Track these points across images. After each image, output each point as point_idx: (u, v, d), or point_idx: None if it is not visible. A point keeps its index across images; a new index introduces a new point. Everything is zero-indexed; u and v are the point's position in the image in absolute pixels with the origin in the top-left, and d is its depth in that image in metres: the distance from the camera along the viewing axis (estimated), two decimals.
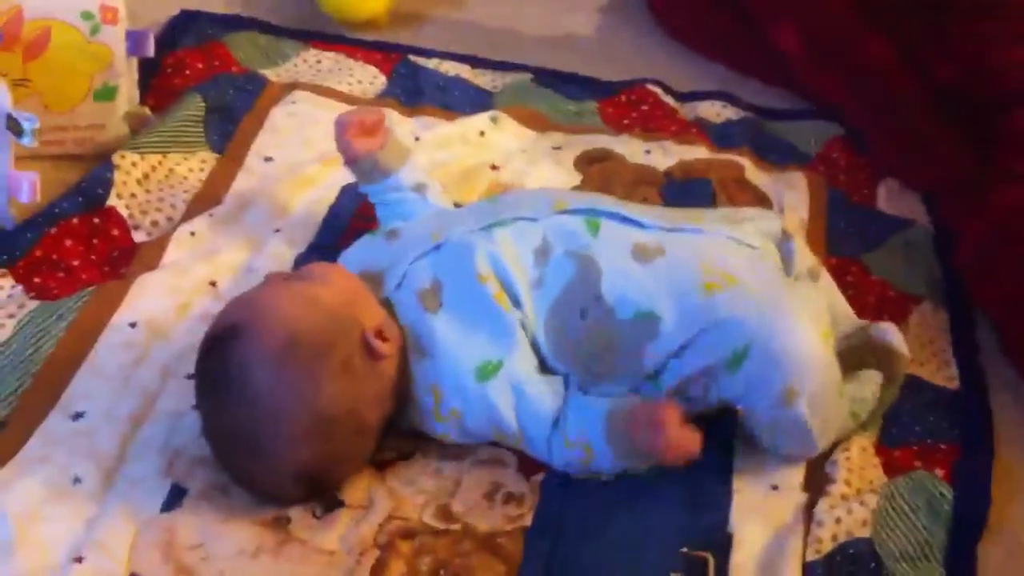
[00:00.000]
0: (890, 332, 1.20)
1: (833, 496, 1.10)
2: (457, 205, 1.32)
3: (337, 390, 1.03)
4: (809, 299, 1.13)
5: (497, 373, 1.07)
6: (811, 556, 1.05)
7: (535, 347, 1.11)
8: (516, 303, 1.10)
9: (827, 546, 1.06)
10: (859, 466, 1.14)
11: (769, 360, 1.07)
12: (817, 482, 1.12)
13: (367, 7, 1.73)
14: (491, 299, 1.09)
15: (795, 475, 1.13)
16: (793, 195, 1.46)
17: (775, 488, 1.12)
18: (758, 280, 1.12)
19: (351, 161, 1.26)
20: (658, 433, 1.04)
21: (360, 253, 1.19)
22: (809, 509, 1.09)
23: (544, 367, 1.11)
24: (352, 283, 1.10)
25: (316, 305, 1.05)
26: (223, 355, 1.02)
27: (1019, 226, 1.32)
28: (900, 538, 1.07)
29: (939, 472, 1.14)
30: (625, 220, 1.15)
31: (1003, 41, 1.48)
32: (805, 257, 1.23)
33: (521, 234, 1.13)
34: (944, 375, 1.27)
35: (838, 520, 1.08)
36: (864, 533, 1.06)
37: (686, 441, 1.05)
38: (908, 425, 1.19)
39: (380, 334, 1.06)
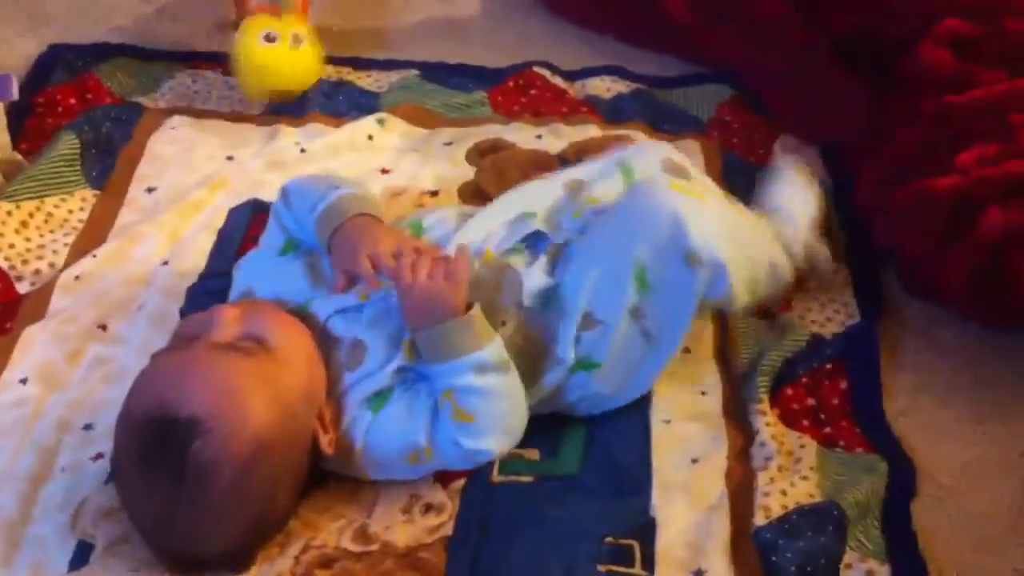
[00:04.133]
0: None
1: (771, 470, 1.09)
2: None
3: (286, 500, 1.03)
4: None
5: (384, 403, 1.06)
6: (760, 521, 1.05)
7: None
8: None
9: (777, 513, 1.05)
10: (781, 433, 1.13)
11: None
12: (742, 451, 1.11)
13: (297, 79, 1.55)
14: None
15: (714, 446, 1.12)
16: None
17: (695, 461, 1.11)
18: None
19: None
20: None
21: (274, 275, 1.15)
22: (733, 478, 1.09)
23: None
24: (310, 356, 1.05)
25: (281, 404, 1.00)
26: (180, 450, 0.95)
27: (914, 164, 1.31)
28: (859, 495, 1.07)
29: (859, 450, 1.14)
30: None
31: None
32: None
33: None
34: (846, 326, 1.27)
35: (784, 492, 1.07)
36: (818, 499, 1.06)
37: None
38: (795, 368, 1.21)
39: (326, 425, 1.04)
